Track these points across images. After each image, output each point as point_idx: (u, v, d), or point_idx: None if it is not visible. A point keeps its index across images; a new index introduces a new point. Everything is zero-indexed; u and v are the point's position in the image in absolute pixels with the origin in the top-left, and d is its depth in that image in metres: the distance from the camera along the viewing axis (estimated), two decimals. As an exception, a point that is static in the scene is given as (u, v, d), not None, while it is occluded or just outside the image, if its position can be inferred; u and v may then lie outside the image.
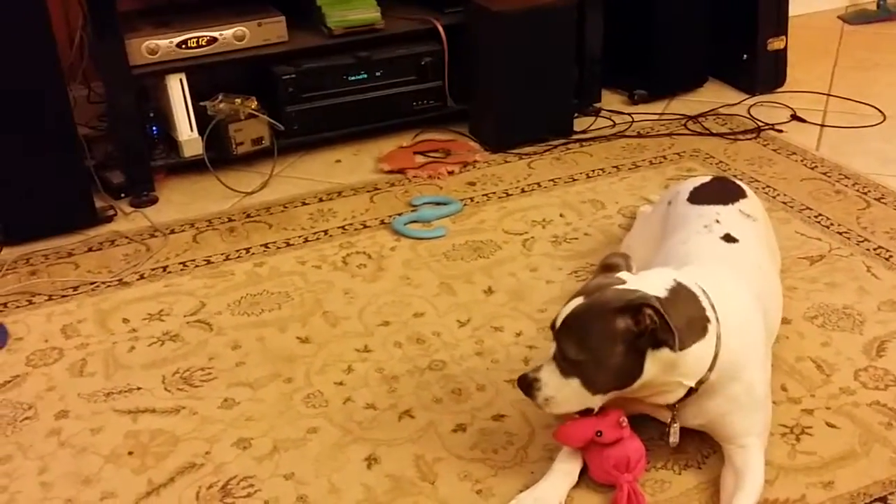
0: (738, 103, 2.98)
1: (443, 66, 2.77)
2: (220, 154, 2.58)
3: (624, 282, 1.45)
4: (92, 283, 2.13)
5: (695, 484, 1.52)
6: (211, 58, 2.53)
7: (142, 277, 2.16)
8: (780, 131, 2.79)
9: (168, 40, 2.46)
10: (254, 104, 2.59)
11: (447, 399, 1.73)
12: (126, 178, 2.50)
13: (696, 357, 1.42)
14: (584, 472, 1.52)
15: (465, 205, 2.42)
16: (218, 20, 2.54)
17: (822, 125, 2.83)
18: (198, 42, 2.50)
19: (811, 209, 2.33)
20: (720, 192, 1.87)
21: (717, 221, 1.75)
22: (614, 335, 1.38)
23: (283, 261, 2.20)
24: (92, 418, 1.71)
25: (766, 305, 1.63)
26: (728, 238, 1.71)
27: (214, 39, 2.52)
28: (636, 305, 1.37)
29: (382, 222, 2.35)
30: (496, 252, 2.21)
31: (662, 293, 1.42)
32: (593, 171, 2.59)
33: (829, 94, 3.05)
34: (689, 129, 2.83)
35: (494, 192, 2.49)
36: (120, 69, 2.39)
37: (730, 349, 1.45)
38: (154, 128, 2.54)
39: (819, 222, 2.27)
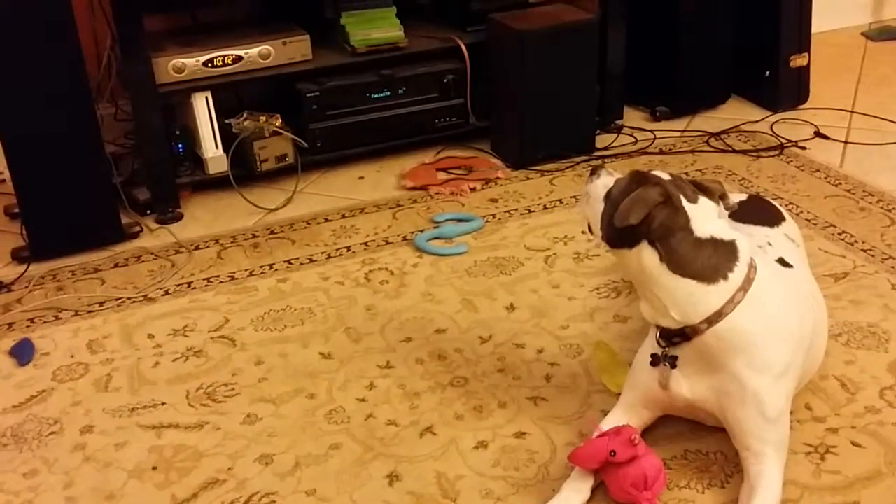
0: (761, 120, 2.98)
1: (465, 84, 2.78)
2: (245, 171, 2.61)
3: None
4: (118, 299, 2.16)
5: None
6: (236, 76, 2.56)
7: (167, 293, 2.18)
8: (804, 148, 2.78)
9: (194, 59, 2.50)
10: (278, 122, 2.62)
11: (469, 416, 1.73)
12: (152, 195, 2.53)
13: (685, 293, 1.42)
14: (604, 491, 1.51)
15: (487, 221, 2.43)
16: (243, 39, 2.57)
17: (846, 142, 2.82)
18: (223, 61, 2.53)
19: (835, 226, 2.32)
20: (762, 212, 1.82)
21: (770, 244, 1.69)
22: (641, 196, 1.41)
23: (306, 277, 2.21)
24: (117, 433, 1.73)
25: (814, 339, 1.60)
26: (783, 262, 1.65)
27: (240, 58, 2.55)
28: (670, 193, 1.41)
29: (405, 239, 2.36)
30: (518, 269, 2.21)
31: (714, 232, 1.43)
32: (615, 188, 2.58)
33: (852, 111, 3.03)
34: (711, 146, 2.82)
35: (516, 209, 2.49)
36: (147, 88, 2.42)
37: (744, 319, 1.42)
38: (180, 145, 2.57)
39: (843, 239, 2.26)
